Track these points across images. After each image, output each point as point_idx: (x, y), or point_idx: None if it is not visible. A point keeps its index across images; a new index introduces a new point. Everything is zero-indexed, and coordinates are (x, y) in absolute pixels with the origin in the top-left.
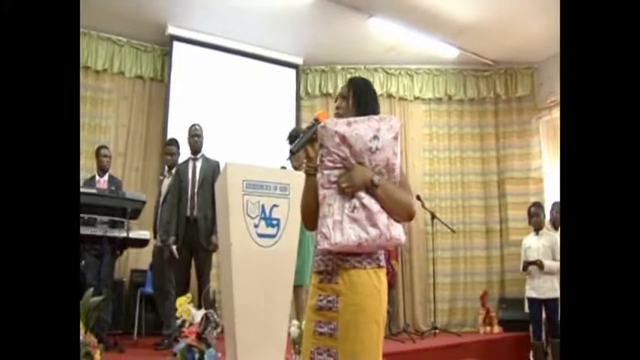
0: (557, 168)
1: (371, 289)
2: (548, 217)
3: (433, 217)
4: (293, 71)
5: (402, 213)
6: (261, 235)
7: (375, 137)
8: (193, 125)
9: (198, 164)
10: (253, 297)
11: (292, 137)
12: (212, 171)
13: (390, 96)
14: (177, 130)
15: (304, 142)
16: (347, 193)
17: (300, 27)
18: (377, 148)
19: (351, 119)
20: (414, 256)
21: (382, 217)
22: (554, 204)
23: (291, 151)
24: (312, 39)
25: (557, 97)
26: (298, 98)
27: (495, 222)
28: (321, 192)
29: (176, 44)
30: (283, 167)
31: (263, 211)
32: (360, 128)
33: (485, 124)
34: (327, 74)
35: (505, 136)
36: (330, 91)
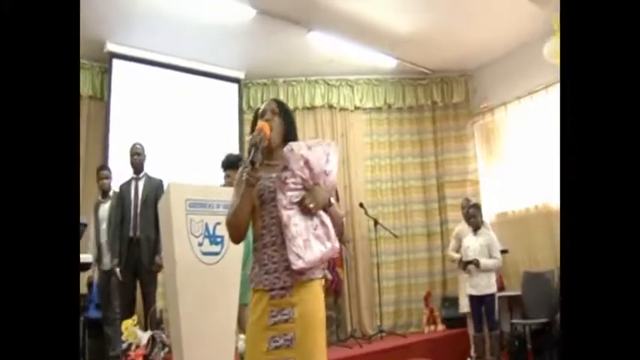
0: (491, 170)
1: (319, 298)
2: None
3: (376, 223)
4: (235, 85)
5: (339, 226)
6: (205, 253)
7: (328, 161)
8: (135, 144)
9: (141, 184)
10: (200, 314)
11: (225, 164)
12: (155, 190)
13: (331, 107)
14: (119, 150)
15: (258, 150)
16: (312, 212)
17: (241, 42)
18: (329, 171)
19: (309, 142)
20: (359, 262)
21: (333, 231)
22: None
23: (252, 162)
24: (253, 53)
25: (490, 103)
26: (241, 112)
27: (436, 224)
28: (285, 213)
29: (115, 61)
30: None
31: (207, 229)
32: (318, 152)
33: (424, 130)
34: (268, 87)
35: (443, 141)
36: None
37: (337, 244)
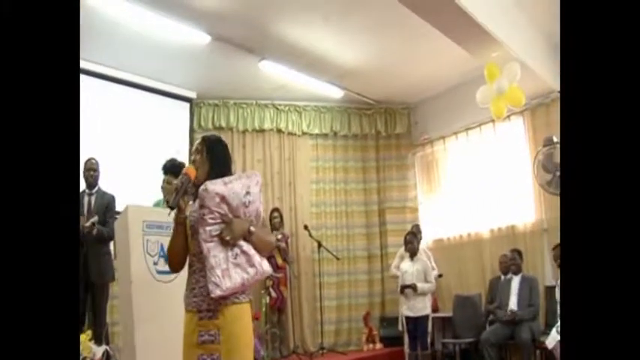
0: (429, 198)
1: (246, 320)
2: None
3: (319, 245)
4: (187, 105)
5: (267, 250)
6: (160, 272)
7: (248, 193)
8: (89, 159)
9: (93, 199)
10: (153, 330)
11: (165, 168)
12: (105, 206)
13: (279, 131)
14: None
15: (181, 196)
16: (230, 244)
17: (195, 64)
18: (249, 202)
19: (226, 179)
20: (302, 282)
21: (257, 257)
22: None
23: (170, 207)
24: (206, 75)
25: (429, 135)
26: (192, 131)
27: (376, 248)
28: (205, 246)
29: None
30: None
31: (162, 249)
32: (236, 187)
33: (367, 158)
34: (219, 108)
35: (385, 169)
36: (223, 124)
37: (265, 267)
